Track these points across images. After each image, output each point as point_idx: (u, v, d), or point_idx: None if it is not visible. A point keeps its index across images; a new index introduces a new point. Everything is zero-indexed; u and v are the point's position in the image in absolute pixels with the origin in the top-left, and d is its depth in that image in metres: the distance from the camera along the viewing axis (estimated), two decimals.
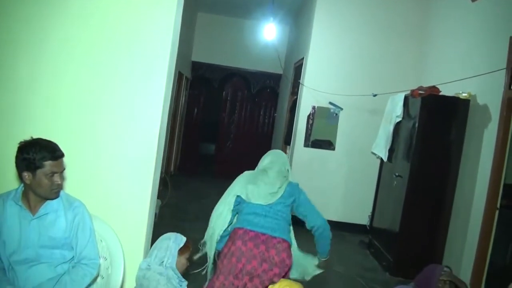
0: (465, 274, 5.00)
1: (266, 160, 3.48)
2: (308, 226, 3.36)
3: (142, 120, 3.15)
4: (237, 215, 3.33)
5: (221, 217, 3.29)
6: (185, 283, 2.96)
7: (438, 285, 3.51)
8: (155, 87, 3.16)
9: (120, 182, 3.18)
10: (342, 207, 7.41)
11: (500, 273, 5.66)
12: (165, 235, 3.05)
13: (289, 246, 3.22)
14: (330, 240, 3.46)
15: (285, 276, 3.20)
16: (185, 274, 3.11)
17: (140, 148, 3.15)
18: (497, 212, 4.84)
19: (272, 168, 3.37)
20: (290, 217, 3.30)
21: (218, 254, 3.31)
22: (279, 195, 3.23)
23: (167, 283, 2.82)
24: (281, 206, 3.23)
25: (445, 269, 3.63)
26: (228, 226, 3.29)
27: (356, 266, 5.81)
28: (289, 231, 3.33)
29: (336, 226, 7.17)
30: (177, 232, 3.09)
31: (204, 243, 3.39)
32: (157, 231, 3.15)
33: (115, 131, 3.16)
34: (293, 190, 3.34)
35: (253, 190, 3.24)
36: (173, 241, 2.98)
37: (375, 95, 6.50)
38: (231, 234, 3.19)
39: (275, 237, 3.11)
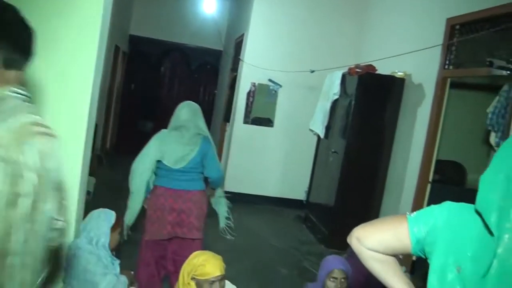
0: None
1: (183, 116, 3.64)
2: (205, 174, 3.71)
3: (70, 92, 3.02)
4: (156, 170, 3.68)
5: (141, 177, 3.62)
6: (117, 262, 2.91)
7: None
8: (85, 56, 3.02)
9: None
10: (280, 183, 7.50)
11: None
12: (93, 213, 2.97)
13: (204, 193, 3.73)
14: (221, 183, 4.03)
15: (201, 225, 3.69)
16: (118, 251, 3.06)
17: (69, 123, 3.02)
18: (429, 186, 5.07)
19: (188, 128, 3.60)
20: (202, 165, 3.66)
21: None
22: (192, 156, 3.56)
23: (98, 261, 2.77)
24: (194, 163, 3.59)
25: None
26: (148, 183, 3.66)
27: (292, 240, 5.93)
28: (202, 180, 3.73)
29: (274, 202, 7.29)
30: (113, 210, 3.03)
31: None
32: (91, 209, 3.06)
33: (41, 103, 3.01)
34: (206, 146, 3.65)
35: (169, 153, 3.55)
36: (104, 219, 2.92)
37: (312, 71, 6.55)
38: (153, 191, 3.65)
39: (190, 191, 3.61)
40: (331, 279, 2.94)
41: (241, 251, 5.29)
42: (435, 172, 6.47)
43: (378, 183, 5.71)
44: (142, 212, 3.73)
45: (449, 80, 4.95)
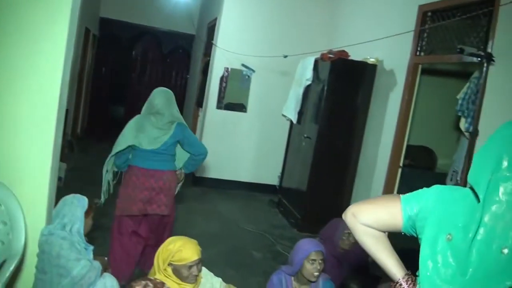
0: None
1: (157, 103, 3.75)
2: (192, 152, 3.94)
3: (40, 76, 2.94)
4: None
5: (119, 159, 3.81)
6: (91, 248, 2.89)
7: (343, 237, 3.68)
8: (55, 39, 2.94)
9: (17, 143, 2.98)
10: (253, 168, 7.51)
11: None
12: (66, 199, 2.94)
13: (174, 173, 3.93)
14: (199, 164, 4.16)
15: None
16: (92, 238, 3.03)
17: (39, 107, 2.95)
18: (399, 170, 5.15)
19: (163, 115, 3.73)
20: (175, 148, 3.89)
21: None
22: (165, 139, 3.74)
23: (71, 247, 2.73)
24: (167, 145, 3.77)
25: None
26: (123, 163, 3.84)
27: (265, 224, 5.97)
28: (174, 160, 3.94)
29: (247, 187, 7.31)
30: (84, 195, 3.00)
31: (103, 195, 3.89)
32: (62, 195, 3.02)
33: (9, 87, 2.93)
34: (181, 130, 3.83)
35: (144, 137, 3.71)
36: (77, 205, 2.88)
37: (285, 57, 6.55)
38: (127, 170, 3.83)
39: (163, 171, 3.81)
40: (310, 261, 2.97)
41: (215, 236, 5.31)
42: (406, 157, 6.58)
43: (350, 167, 5.78)
44: (115, 192, 3.88)
45: (420, 66, 5.01)
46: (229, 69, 7.26)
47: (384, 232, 1.52)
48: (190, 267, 2.63)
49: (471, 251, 1.23)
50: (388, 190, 5.10)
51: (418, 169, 6.86)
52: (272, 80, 7.33)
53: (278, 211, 6.62)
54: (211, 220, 5.84)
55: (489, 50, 3.93)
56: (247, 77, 7.33)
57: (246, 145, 7.48)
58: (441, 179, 5.24)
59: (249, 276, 4.35)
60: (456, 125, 4.83)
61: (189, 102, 10.12)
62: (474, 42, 4.18)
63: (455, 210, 1.33)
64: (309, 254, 2.98)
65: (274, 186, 7.37)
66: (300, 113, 6.32)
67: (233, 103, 7.39)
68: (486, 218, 1.21)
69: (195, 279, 2.68)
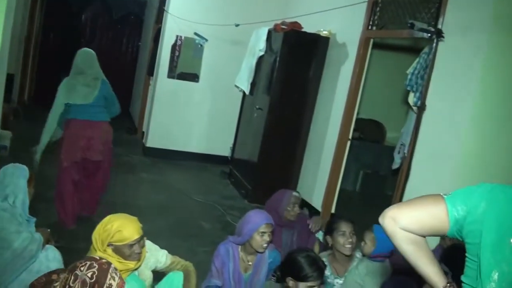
0: (317, 199, 5.39)
1: (80, 63, 4.31)
2: (110, 110, 4.48)
3: None
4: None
5: (54, 120, 4.28)
6: (33, 220, 2.79)
7: (288, 208, 3.71)
8: None
9: None
10: (205, 139, 7.43)
11: (349, 197, 6.16)
12: (6, 170, 2.80)
13: (109, 124, 4.47)
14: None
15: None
16: (35, 210, 2.93)
17: None
18: (348, 143, 5.22)
19: (86, 72, 4.28)
20: (105, 102, 4.40)
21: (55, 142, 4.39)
22: (95, 94, 4.27)
23: (12, 219, 2.64)
24: (98, 99, 4.30)
25: (294, 193, 3.83)
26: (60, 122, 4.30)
27: (216, 195, 5.96)
28: (106, 112, 4.44)
29: (199, 158, 7.25)
30: (31, 164, 2.88)
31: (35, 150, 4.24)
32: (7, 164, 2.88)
33: None
34: (105, 87, 4.38)
35: (76, 96, 4.22)
36: (18, 175, 2.77)
37: (237, 25, 6.44)
38: (66, 124, 4.28)
39: (98, 121, 4.34)
40: (260, 234, 2.97)
41: (164, 207, 5.25)
42: (356, 130, 6.69)
43: (301, 139, 5.81)
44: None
45: (372, 40, 5.03)
46: (183, 38, 7.10)
47: (425, 236, 1.41)
48: (132, 245, 2.51)
49: None
50: (336, 162, 5.17)
51: (367, 142, 7.00)
52: (225, 49, 7.21)
53: (229, 182, 6.61)
54: (160, 191, 5.78)
55: (439, 26, 3.97)
56: (199, 46, 7.18)
57: (198, 115, 7.37)
58: (389, 152, 5.35)
59: (196, 246, 4.33)
60: (405, 100, 4.91)
61: (140, 70, 9.87)
62: (425, 18, 4.21)
63: None
64: (259, 227, 2.97)
65: (226, 157, 7.34)
66: (253, 84, 6.28)
67: (186, 73, 7.25)
68: None
69: (138, 256, 2.58)
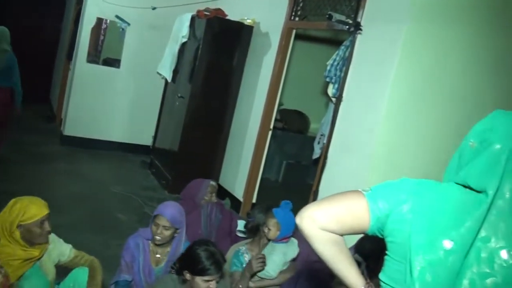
0: (239, 189, 5.36)
1: None
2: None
3: None
4: None
5: None
6: None
7: (205, 197, 3.64)
8: None
9: None
10: (127, 128, 7.19)
11: (271, 187, 6.17)
12: None
13: (10, 90, 5.24)
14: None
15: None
16: None
17: None
18: (270, 132, 5.22)
19: None
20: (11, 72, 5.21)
21: None
22: (3, 63, 5.08)
23: None
24: (3, 67, 5.04)
25: (211, 182, 3.78)
26: None
27: (136, 186, 5.79)
28: (11, 79, 5.22)
29: (120, 147, 7.02)
30: None
31: None
32: None
33: None
34: (12, 60, 5.17)
35: None
36: None
37: (154, 8, 6.25)
38: None
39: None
40: (154, 224, 2.88)
41: (79, 198, 5.03)
42: (280, 120, 6.70)
43: (223, 128, 5.75)
44: None
45: (294, 31, 5.03)
46: (108, 21, 6.80)
47: (343, 235, 1.33)
48: (42, 222, 2.50)
49: (476, 255, 1.14)
50: (258, 152, 5.16)
51: (291, 132, 7.05)
52: (148, 35, 6.96)
53: (150, 172, 6.44)
54: (76, 182, 5.52)
55: (359, 19, 4.01)
56: (121, 30, 6.90)
57: (119, 103, 7.10)
58: (312, 142, 5.38)
59: (111, 239, 4.17)
60: (326, 91, 4.95)
61: (61, 54, 9.40)
62: (345, 11, 4.25)
63: (444, 210, 1.20)
64: (156, 216, 2.89)
65: (148, 146, 7.14)
66: (175, 72, 6.12)
67: (111, 58, 6.97)
68: (491, 217, 1.14)
69: (47, 237, 2.56)
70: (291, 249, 3.10)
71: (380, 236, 1.29)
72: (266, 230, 3.05)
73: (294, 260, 3.17)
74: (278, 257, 3.02)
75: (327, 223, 1.27)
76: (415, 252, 1.16)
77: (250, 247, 3.20)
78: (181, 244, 3.01)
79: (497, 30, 3.90)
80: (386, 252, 1.27)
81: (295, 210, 3.61)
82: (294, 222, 3.11)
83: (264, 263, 2.93)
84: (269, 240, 3.09)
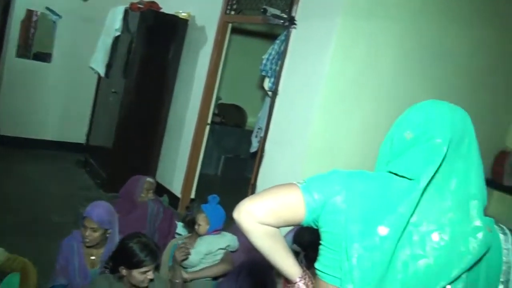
0: (177, 185, 5.31)
1: None
2: None
3: None
4: None
5: None
6: None
7: (142, 195, 3.59)
8: None
9: None
10: (59, 125, 6.89)
11: (210, 182, 6.14)
12: None
13: None
14: None
15: None
16: None
17: None
18: (207, 127, 5.20)
19: None
20: None
21: None
22: None
23: None
24: None
25: (148, 179, 3.73)
26: None
27: (71, 186, 5.59)
28: None
29: (53, 146, 6.75)
30: None
31: None
32: None
33: None
34: None
35: None
36: None
37: (85, 0, 6.04)
38: None
39: None
40: (83, 226, 2.82)
41: (10, 201, 4.79)
42: (218, 114, 6.68)
43: (159, 124, 5.66)
44: None
45: (230, 25, 5.02)
46: (38, 13, 6.50)
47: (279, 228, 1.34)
48: None
49: (409, 238, 1.19)
50: (196, 147, 5.14)
51: (229, 126, 7.05)
52: (81, 28, 6.67)
53: (85, 171, 6.23)
54: (7, 184, 5.26)
55: (293, 14, 4.05)
56: (53, 22, 6.62)
57: (51, 99, 6.78)
58: (249, 136, 5.40)
59: (45, 243, 3.99)
60: (262, 84, 4.97)
61: None
62: (280, 5, 4.27)
63: (377, 199, 1.24)
64: (84, 218, 2.84)
65: (82, 144, 6.90)
66: (109, 66, 5.96)
67: (42, 53, 6.66)
68: (423, 203, 1.21)
69: None
70: (221, 241, 3.17)
71: (315, 227, 1.32)
72: (196, 226, 3.12)
73: (233, 252, 3.24)
74: (203, 247, 3.10)
75: (264, 216, 1.28)
76: (352, 240, 1.20)
77: (189, 241, 3.21)
78: (115, 244, 2.96)
79: (426, 24, 4.06)
80: (321, 242, 1.30)
81: (236, 204, 3.66)
82: (223, 215, 3.25)
83: (186, 252, 3.00)
84: (200, 235, 3.16)
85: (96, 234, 2.82)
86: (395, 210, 1.19)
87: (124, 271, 2.47)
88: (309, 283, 1.36)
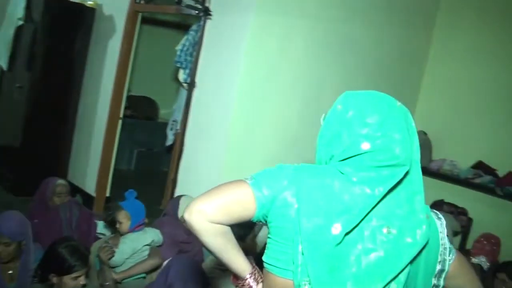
0: (91, 184, 5.11)
1: None
2: None
3: None
4: None
5: None
6: None
7: (54, 198, 3.49)
8: None
9: None
10: None
11: (124, 177, 5.97)
12: None
13: None
14: None
15: None
16: None
17: None
18: (120, 121, 5.04)
19: None
20: None
21: None
22: None
23: None
24: None
25: (59, 181, 3.60)
26: None
27: None
28: None
29: None
30: None
31: None
32: None
33: None
34: None
35: None
36: None
37: None
38: None
39: None
40: None
41: None
42: (128, 107, 6.49)
43: (69, 120, 5.37)
44: None
45: (140, 14, 4.88)
46: None
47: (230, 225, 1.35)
48: None
49: (360, 233, 1.22)
50: (108, 142, 4.97)
51: (140, 119, 6.89)
52: None
53: None
54: None
55: (207, 4, 4.02)
56: None
57: None
58: (163, 129, 5.31)
59: None
60: (176, 76, 4.90)
61: None
62: None
63: (332, 197, 1.25)
64: None
65: None
66: (12, 59, 5.56)
67: None
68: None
69: None
70: (145, 237, 3.15)
71: (264, 222, 1.34)
72: (118, 225, 3.09)
73: (159, 246, 3.23)
74: (127, 245, 3.07)
75: (215, 215, 1.28)
76: (304, 235, 1.23)
77: (113, 242, 3.14)
78: (31, 254, 2.77)
79: (334, 16, 4.21)
80: (269, 235, 1.33)
81: (154, 199, 3.56)
82: (142, 209, 3.24)
83: (110, 251, 2.98)
84: (123, 233, 3.13)
85: (10, 249, 2.63)
86: (349, 211, 1.23)
87: (54, 279, 2.37)
88: (258, 278, 1.39)
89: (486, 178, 4.62)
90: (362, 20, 4.41)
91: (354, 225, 1.23)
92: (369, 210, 1.24)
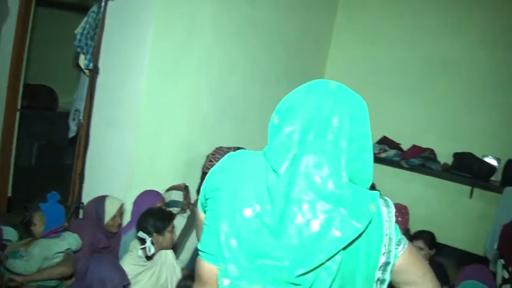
0: None
1: None
2: None
3: None
4: None
5: None
6: None
7: None
8: None
9: None
10: None
11: (25, 174, 5.59)
12: None
13: None
14: None
15: None
16: None
17: None
18: (18, 113, 4.74)
19: None
20: None
21: None
22: None
23: None
24: None
25: None
26: None
27: None
28: None
29: None
30: None
31: None
32: None
33: None
34: None
35: None
36: None
37: None
38: None
39: None
40: None
41: None
42: (25, 97, 6.05)
43: None
44: None
45: None
46: None
47: None
48: None
49: (281, 222, 1.18)
50: (7, 137, 4.61)
51: (38, 110, 6.46)
52: None
53: None
54: None
55: None
56: None
57: None
58: (64, 120, 5.01)
59: None
60: (77, 62, 4.62)
61: None
62: None
63: (247, 181, 1.25)
64: None
65: None
66: None
67: None
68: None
69: None
70: (60, 244, 2.97)
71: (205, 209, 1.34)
72: (32, 227, 2.92)
73: (75, 252, 3.06)
74: (36, 251, 2.88)
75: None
76: (221, 219, 1.22)
77: (25, 247, 2.94)
78: None
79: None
80: (205, 222, 1.31)
81: (60, 196, 3.33)
82: (62, 214, 3.01)
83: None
84: (36, 237, 2.94)
85: None
86: (260, 195, 1.22)
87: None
88: None
89: (391, 152, 4.84)
90: (266, 1, 4.42)
91: (276, 205, 1.20)
92: (284, 195, 1.20)
